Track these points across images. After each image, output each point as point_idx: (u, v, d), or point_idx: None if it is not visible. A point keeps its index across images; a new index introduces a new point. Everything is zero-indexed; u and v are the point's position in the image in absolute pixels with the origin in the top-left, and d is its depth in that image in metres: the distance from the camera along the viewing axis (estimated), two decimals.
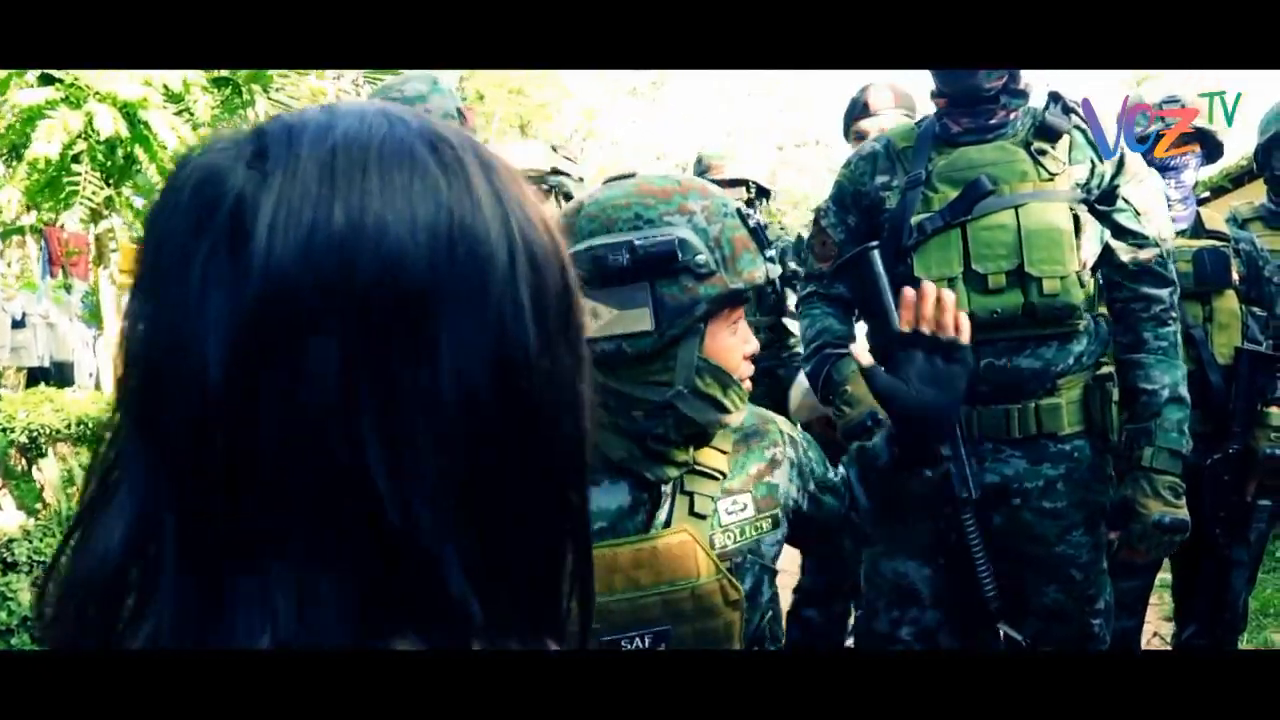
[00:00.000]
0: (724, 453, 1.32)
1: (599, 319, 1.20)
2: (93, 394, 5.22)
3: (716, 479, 1.30)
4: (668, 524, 1.27)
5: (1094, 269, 2.04)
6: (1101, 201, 2.01)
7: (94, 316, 6.49)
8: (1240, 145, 4.50)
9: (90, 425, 4.60)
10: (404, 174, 0.49)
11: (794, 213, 36.27)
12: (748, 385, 1.28)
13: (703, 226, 1.21)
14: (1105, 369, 2.07)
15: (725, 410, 1.25)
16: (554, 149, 3.52)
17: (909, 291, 1.33)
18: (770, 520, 1.34)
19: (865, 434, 1.76)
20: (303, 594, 0.45)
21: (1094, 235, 2.02)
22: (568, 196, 3.47)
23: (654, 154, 25.25)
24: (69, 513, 4.33)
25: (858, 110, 3.02)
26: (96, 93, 4.31)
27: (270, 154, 0.48)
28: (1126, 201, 2.05)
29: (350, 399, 0.45)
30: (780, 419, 1.44)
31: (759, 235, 1.24)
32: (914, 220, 1.99)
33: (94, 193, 4.56)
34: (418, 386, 0.47)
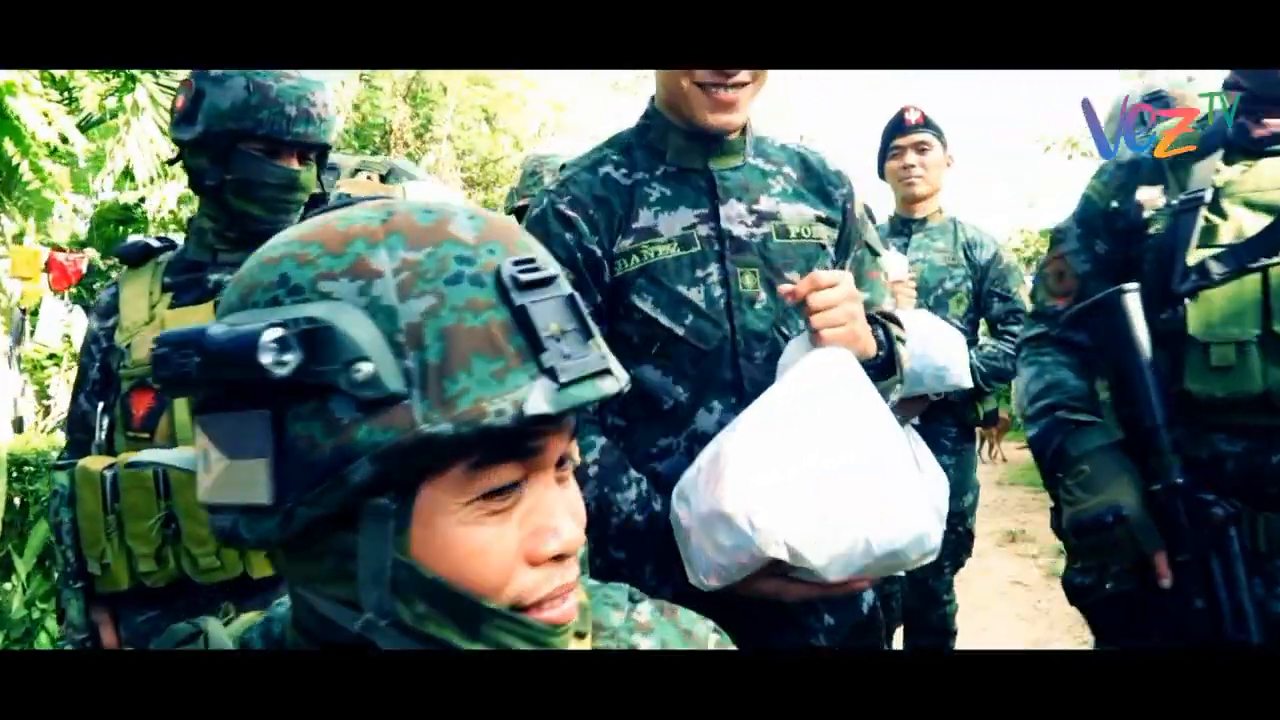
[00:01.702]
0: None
1: (208, 471, 0.69)
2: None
3: None
4: None
5: None
6: None
7: None
8: None
9: None
10: None
11: None
12: (565, 613, 0.71)
13: (388, 303, 0.66)
14: None
15: None
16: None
17: None
18: None
19: (1102, 531, 1.56)
20: None
21: None
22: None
23: None
24: None
25: (893, 128, 3.31)
26: None
27: None
28: None
29: None
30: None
31: (574, 315, 0.70)
32: (1192, 257, 1.55)
33: None
34: None
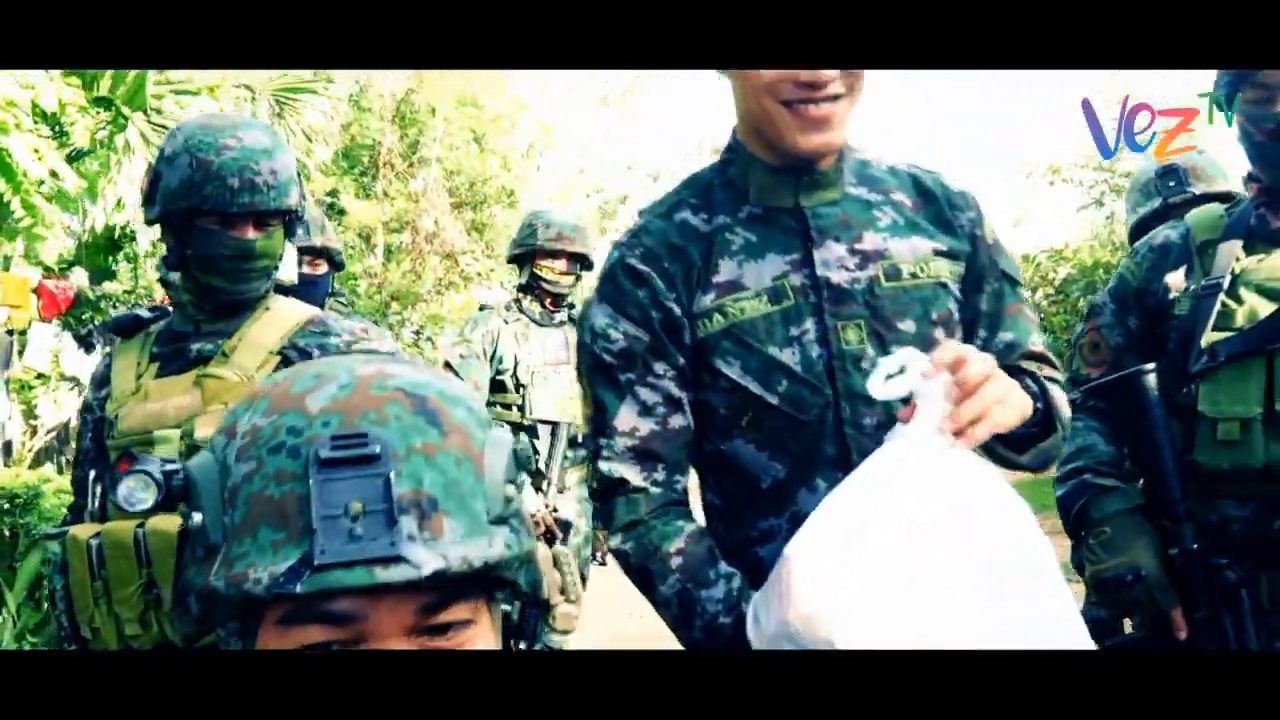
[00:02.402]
0: None
1: None
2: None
3: None
4: None
5: None
6: None
7: None
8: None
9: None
10: None
11: None
12: None
13: (227, 463, 0.74)
14: None
15: None
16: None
17: None
18: None
19: (1122, 590, 1.66)
20: None
21: None
22: None
23: (624, 164, 24.95)
24: None
25: None
26: None
27: None
28: None
29: None
30: None
31: (384, 498, 0.71)
32: (1206, 339, 1.69)
33: None
34: None
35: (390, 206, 8.79)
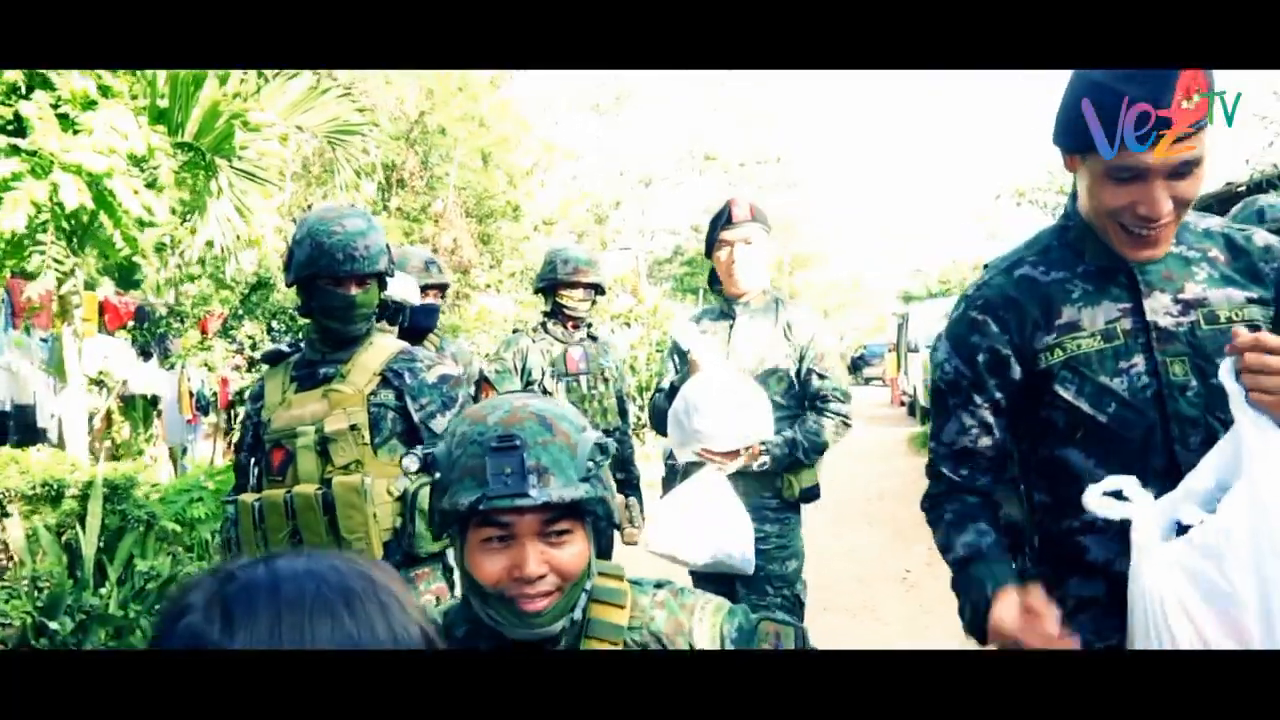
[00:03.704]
0: (615, 645, 1.52)
1: None
2: (55, 454, 5.31)
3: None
4: None
5: None
6: None
7: (57, 368, 6.57)
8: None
9: (54, 486, 4.71)
10: (325, 627, 0.68)
11: None
12: (530, 608, 1.44)
13: (448, 448, 1.50)
14: None
15: None
16: (426, 264, 4.20)
17: None
18: None
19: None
20: None
21: None
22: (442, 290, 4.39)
23: (616, 170, 25.39)
24: (33, 573, 4.45)
25: (722, 221, 3.37)
26: (62, 164, 4.40)
27: (233, 611, 0.67)
28: None
29: None
30: (704, 631, 1.58)
31: (519, 464, 1.44)
32: None
33: (59, 259, 4.66)
34: None
35: (408, 223, 9.42)
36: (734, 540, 3.06)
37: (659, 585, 1.64)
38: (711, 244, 3.42)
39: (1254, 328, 1.61)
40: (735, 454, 3.07)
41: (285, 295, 6.62)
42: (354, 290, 2.66)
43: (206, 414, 9.62)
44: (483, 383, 4.34)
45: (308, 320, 2.81)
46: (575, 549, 1.45)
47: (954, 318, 1.83)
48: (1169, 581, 1.46)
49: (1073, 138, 1.63)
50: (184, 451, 9.18)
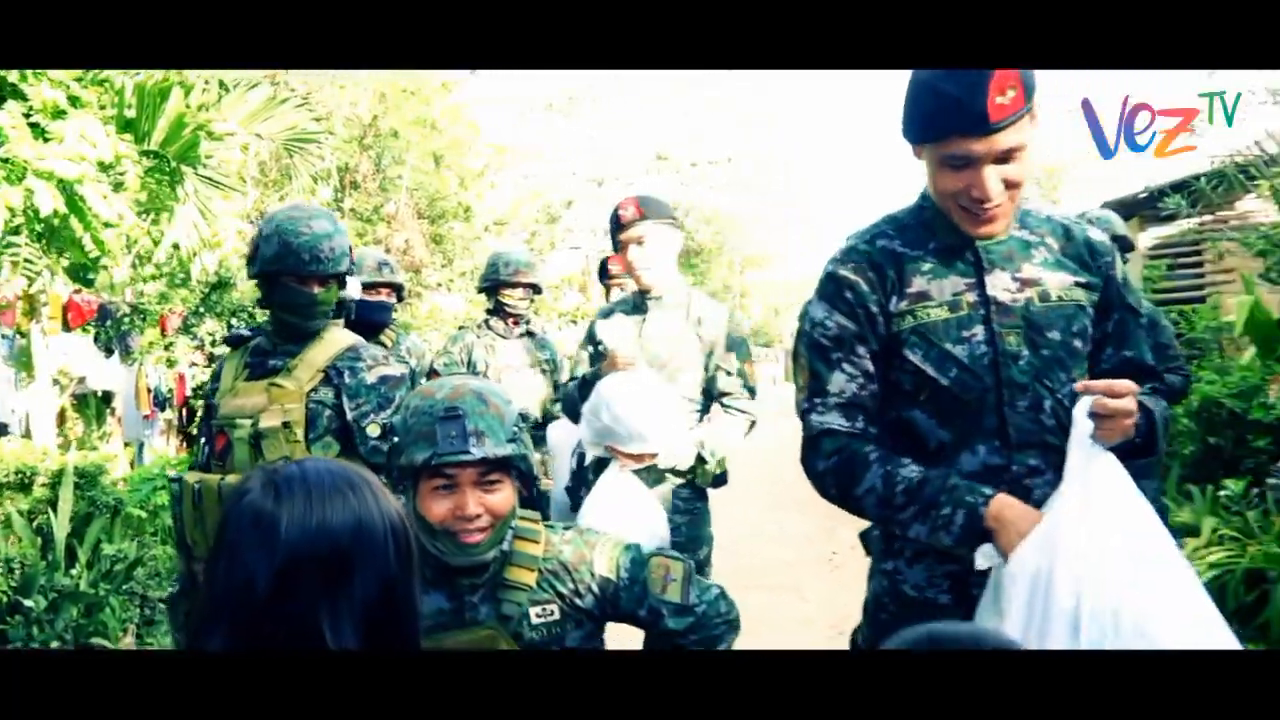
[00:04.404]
0: (531, 571, 1.92)
1: None
2: (25, 444, 5.58)
3: (524, 590, 1.90)
4: (480, 623, 1.90)
5: None
6: None
7: (22, 364, 6.81)
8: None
9: (26, 474, 5.00)
10: (340, 499, 1.07)
11: (706, 229, 36.48)
12: (469, 540, 1.87)
13: (406, 418, 1.96)
14: None
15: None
16: (380, 265, 4.48)
17: None
18: (574, 623, 1.94)
19: None
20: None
21: None
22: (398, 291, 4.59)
23: (567, 170, 25.61)
24: (7, 555, 4.74)
25: (615, 225, 3.44)
26: (36, 171, 4.69)
27: (281, 492, 1.06)
28: None
29: (319, 600, 1.04)
30: (602, 560, 2.00)
31: (461, 428, 1.86)
32: None
33: (30, 261, 4.94)
34: (348, 590, 1.05)
35: (362, 224, 9.71)
36: (648, 536, 2.96)
37: (567, 528, 2.05)
38: (615, 247, 3.49)
39: (1079, 307, 1.85)
40: (642, 457, 3.10)
41: (244, 293, 6.93)
42: (316, 289, 2.78)
43: (163, 410, 9.86)
44: (432, 374, 4.72)
45: (266, 312, 2.91)
46: (504, 494, 1.87)
47: (824, 279, 1.93)
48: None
49: (914, 131, 1.81)
50: (141, 447, 9.42)
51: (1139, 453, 1.76)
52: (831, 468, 1.87)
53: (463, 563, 1.88)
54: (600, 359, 3.37)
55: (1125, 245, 4.14)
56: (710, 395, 3.38)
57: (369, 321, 4.12)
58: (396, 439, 1.90)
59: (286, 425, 2.71)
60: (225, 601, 1.08)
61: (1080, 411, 1.67)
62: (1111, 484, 1.65)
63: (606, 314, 3.61)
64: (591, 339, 3.53)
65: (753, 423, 3.39)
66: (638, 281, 3.44)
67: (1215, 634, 1.59)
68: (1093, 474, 1.65)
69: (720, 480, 3.34)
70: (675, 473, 3.22)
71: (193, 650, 1.14)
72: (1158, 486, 3.90)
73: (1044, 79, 1.76)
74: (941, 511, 1.75)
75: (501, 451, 1.85)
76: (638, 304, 3.48)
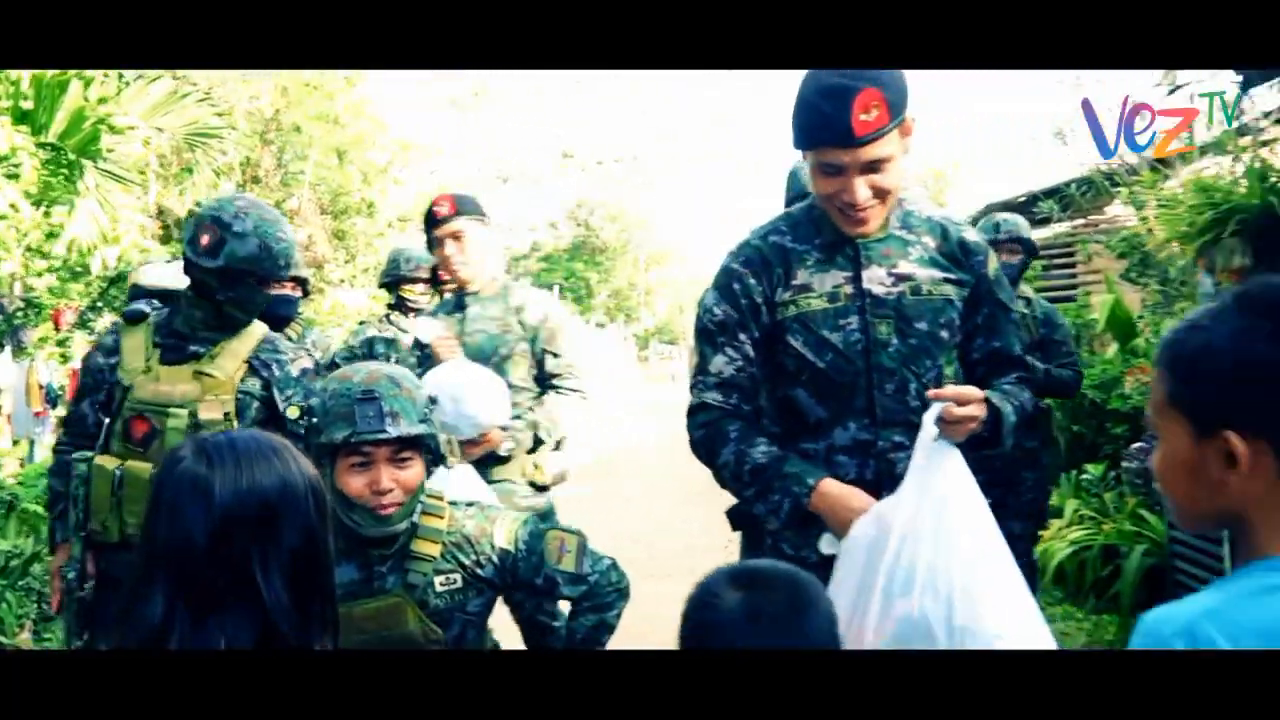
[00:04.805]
0: (436, 544, 2.08)
1: None
2: None
3: (429, 561, 2.07)
4: (388, 591, 2.06)
5: None
6: None
7: None
8: None
9: None
10: (265, 463, 1.23)
11: (611, 227, 36.52)
12: (384, 512, 2.01)
13: (324, 399, 2.11)
14: None
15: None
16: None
17: None
18: (475, 591, 2.12)
19: None
20: (236, 625, 1.20)
21: None
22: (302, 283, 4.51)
23: (474, 166, 25.55)
24: None
25: (430, 222, 3.44)
26: None
27: (213, 458, 1.21)
28: None
29: (251, 550, 1.20)
30: (502, 533, 2.17)
31: (378, 409, 2.00)
32: None
33: None
34: (276, 541, 1.21)
35: None
36: None
37: (470, 504, 2.22)
38: (430, 244, 3.50)
39: (947, 301, 2.01)
40: (477, 443, 3.11)
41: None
42: (272, 290, 2.84)
43: (55, 406, 9.63)
44: (333, 366, 4.79)
45: (201, 299, 2.76)
46: (415, 470, 2.04)
47: (719, 272, 2.10)
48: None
49: (796, 139, 1.94)
50: (32, 444, 9.20)
51: (985, 445, 1.94)
52: (700, 439, 2.07)
53: (376, 534, 2.03)
54: (428, 361, 3.34)
55: (1030, 248, 4.34)
56: (541, 380, 3.41)
57: (274, 314, 4.18)
58: (315, 419, 2.04)
59: (226, 416, 2.70)
60: (166, 556, 1.23)
61: (929, 416, 1.82)
62: (951, 476, 1.79)
63: (433, 314, 3.61)
64: (417, 344, 3.49)
65: (583, 399, 3.44)
66: (454, 277, 3.46)
67: (1024, 605, 1.76)
68: (933, 467, 1.79)
69: (559, 478, 3.40)
70: (510, 471, 3.28)
71: (128, 614, 1.26)
72: (1037, 476, 4.13)
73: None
74: (773, 497, 1.94)
75: (414, 430, 2.01)
76: (458, 302, 3.49)
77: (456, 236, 3.37)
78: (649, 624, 2.39)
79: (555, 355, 3.38)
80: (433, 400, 2.13)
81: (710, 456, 2.05)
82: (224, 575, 1.21)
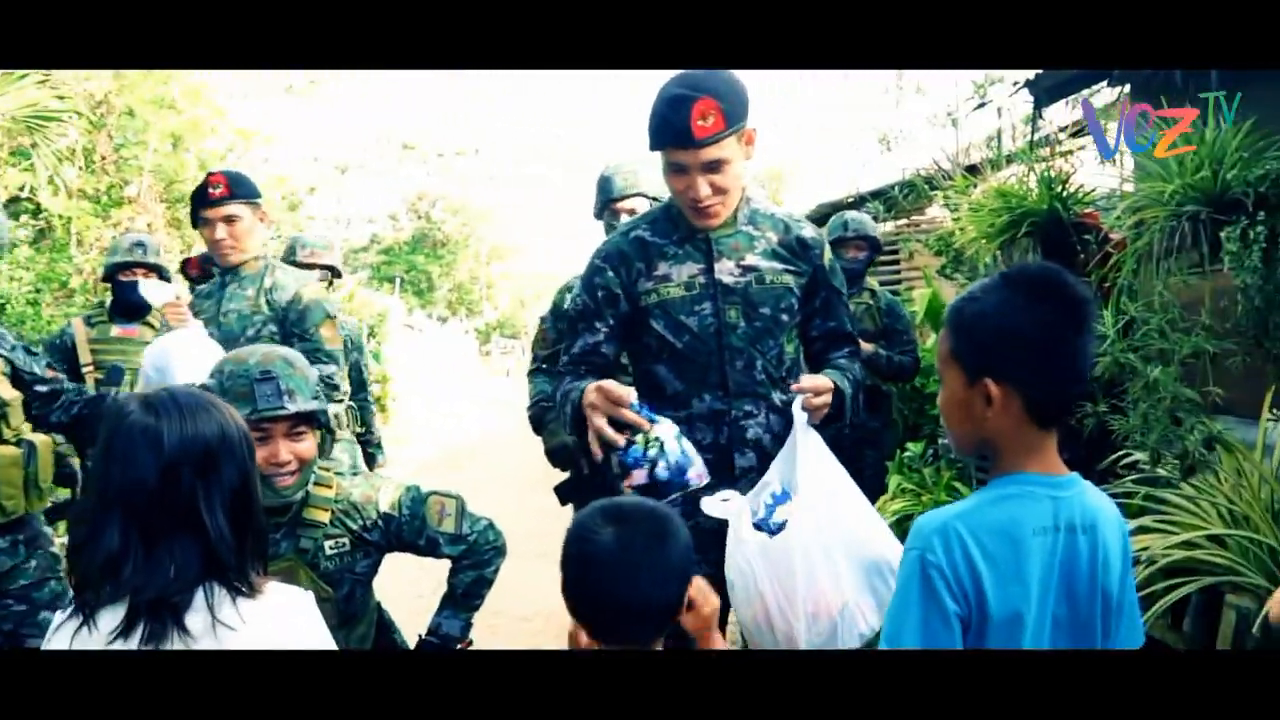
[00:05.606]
0: (325, 511, 2.27)
1: None
2: None
3: (319, 527, 2.26)
4: (282, 556, 2.24)
5: None
6: None
7: None
8: None
9: None
10: (205, 414, 1.44)
11: (453, 220, 36.11)
12: (281, 484, 2.18)
13: (222, 380, 2.25)
14: None
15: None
16: (133, 245, 4.34)
17: None
18: (363, 553, 2.33)
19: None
20: (183, 553, 1.42)
21: None
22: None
23: (310, 155, 24.92)
24: None
25: (200, 200, 3.38)
26: None
27: (160, 410, 1.40)
28: None
29: (196, 488, 1.40)
30: (386, 499, 2.35)
31: (274, 386, 2.16)
32: None
33: None
34: (218, 480, 1.42)
35: (98, 206, 9.29)
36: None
37: (355, 473, 2.42)
38: (195, 221, 3.43)
39: (787, 289, 2.24)
40: None
41: None
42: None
43: None
44: None
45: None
46: (309, 443, 2.22)
47: (587, 266, 2.32)
48: (754, 561, 1.94)
49: (650, 139, 2.12)
50: None
51: (833, 420, 2.20)
52: (533, 396, 2.60)
53: (275, 503, 2.19)
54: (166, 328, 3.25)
55: (875, 245, 4.72)
56: None
57: (127, 302, 4.18)
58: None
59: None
60: (119, 498, 1.40)
61: (796, 404, 2.11)
62: (813, 447, 2.10)
63: (197, 295, 3.58)
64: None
65: (332, 386, 3.28)
66: (222, 259, 3.41)
67: (879, 530, 2.04)
68: (799, 441, 2.10)
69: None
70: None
71: (86, 545, 1.42)
72: (878, 455, 4.55)
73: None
74: (565, 409, 2.22)
75: (308, 406, 2.19)
76: (223, 282, 3.46)
77: (230, 220, 3.35)
78: (505, 598, 2.59)
79: (301, 337, 3.28)
80: (322, 380, 2.30)
81: (538, 400, 2.58)
82: (172, 511, 1.40)
